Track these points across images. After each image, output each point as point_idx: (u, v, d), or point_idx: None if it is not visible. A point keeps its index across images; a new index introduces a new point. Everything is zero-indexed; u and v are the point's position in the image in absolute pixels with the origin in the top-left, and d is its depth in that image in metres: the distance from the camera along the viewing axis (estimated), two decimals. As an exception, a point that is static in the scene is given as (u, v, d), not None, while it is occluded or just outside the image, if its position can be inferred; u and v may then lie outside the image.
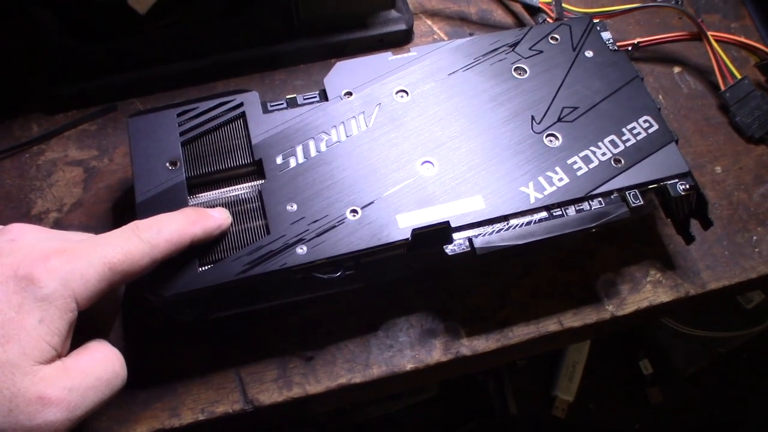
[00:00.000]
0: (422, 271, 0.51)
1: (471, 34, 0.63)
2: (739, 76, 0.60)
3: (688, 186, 0.48)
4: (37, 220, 0.53)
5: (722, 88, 0.60)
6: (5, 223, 0.52)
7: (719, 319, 0.99)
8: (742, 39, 0.62)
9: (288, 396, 0.47)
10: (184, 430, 0.46)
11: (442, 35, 0.63)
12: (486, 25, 0.64)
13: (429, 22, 0.64)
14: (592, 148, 0.49)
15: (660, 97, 0.61)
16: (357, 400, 0.51)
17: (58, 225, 0.52)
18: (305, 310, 0.50)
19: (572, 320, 0.50)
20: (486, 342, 0.49)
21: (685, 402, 1.11)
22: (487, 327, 0.50)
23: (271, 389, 0.47)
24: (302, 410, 0.49)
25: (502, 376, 1.06)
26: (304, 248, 0.44)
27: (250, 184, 0.47)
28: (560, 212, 0.47)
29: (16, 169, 0.55)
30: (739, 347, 1.04)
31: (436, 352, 0.49)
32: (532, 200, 0.46)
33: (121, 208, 0.53)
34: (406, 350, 0.49)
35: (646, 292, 0.52)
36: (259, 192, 0.46)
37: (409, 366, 0.48)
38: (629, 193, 0.47)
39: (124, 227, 0.40)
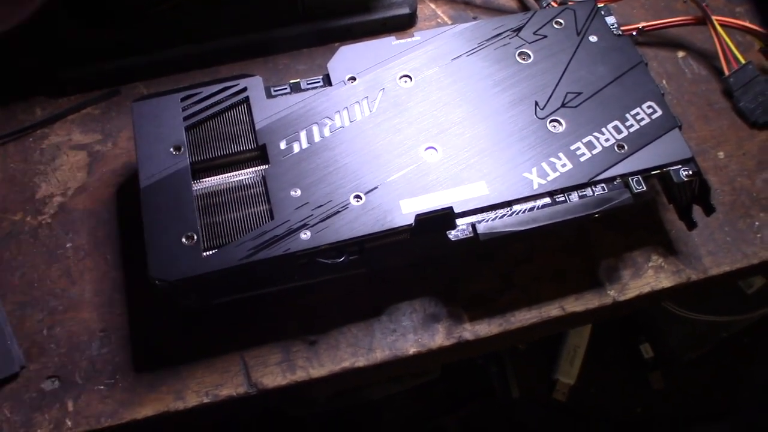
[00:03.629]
0: (425, 256, 0.51)
1: (475, 18, 0.63)
2: (743, 61, 0.59)
3: (691, 172, 0.48)
4: (42, 204, 0.53)
5: (726, 73, 0.60)
6: (9, 207, 0.52)
7: (720, 303, 0.99)
8: (747, 24, 0.62)
9: (291, 379, 0.47)
10: (188, 412, 0.46)
11: (446, 19, 0.63)
12: (490, 9, 0.64)
13: (432, 5, 0.64)
14: (595, 133, 0.49)
15: (664, 81, 0.61)
16: (359, 384, 0.52)
17: (62, 209, 0.53)
18: (309, 295, 0.50)
19: (574, 305, 0.51)
20: (488, 327, 0.50)
21: (686, 386, 1.11)
22: (490, 311, 0.50)
23: (274, 373, 0.47)
24: (305, 393, 0.49)
25: (504, 360, 1.07)
26: (308, 233, 0.44)
27: (253, 169, 0.47)
28: (563, 198, 0.47)
29: (20, 153, 0.55)
30: (740, 332, 1.04)
31: (438, 337, 0.49)
32: (536, 186, 0.46)
33: (126, 193, 0.54)
34: (409, 334, 0.49)
35: (648, 277, 0.52)
36: (263, 177, 0.46)
37: (412, 350, 0.49)
38: (632, 179, 0.47)
39: None
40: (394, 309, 0.50)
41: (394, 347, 0.49)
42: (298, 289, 0.49)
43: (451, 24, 0.62)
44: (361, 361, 0.48)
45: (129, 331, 0.48)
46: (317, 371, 0.48)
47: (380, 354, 0.48)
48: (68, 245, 0.51)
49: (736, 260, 0.53)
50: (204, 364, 0.47)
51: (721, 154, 0.57)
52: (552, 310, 0.50)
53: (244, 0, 0.58)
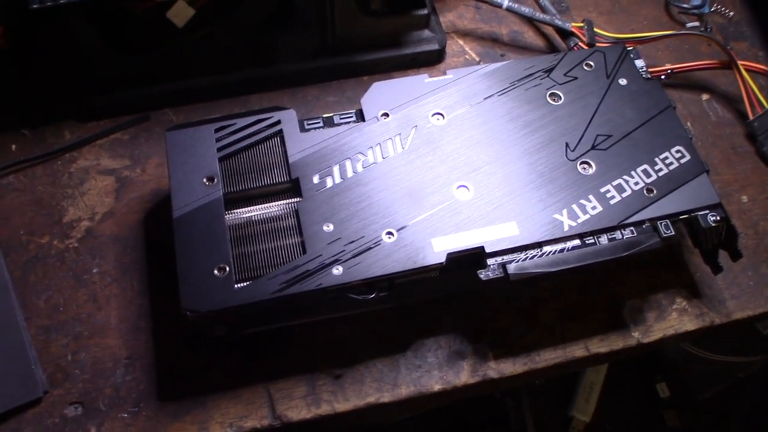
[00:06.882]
0: (452, 292, 0.51)
1: (502, 56, 0.64)
2: (767, 106, 0.60)
3: (718, 217, 0.49)
4: (69, 227, 0.53)
5: (750, 117, 0.60)
6: (36, 229, 0.52)
7: (736, 343, 0.99)
8: (770, 68, 0.62)
9: (316, 413, 0.47)
10: (212, 444, 0.46)
11: (474, 55, 0.64)
12: (517, 47, 0.65)
13: (461, 41, 0.65)
14: (625, 177, 0.49)
15: (688, 124, 0.61)
16: (384, 421, 0.52)
17: (89, 234, 0.53)
18: (335, 328, 0.50)
19: (599, 346, 0.51)
20: (513, 366, 0.50)
21: (702, 426, 1.11)
22: (515, 350, 0.50)
23: (299, 406, 0.47)
24: (329, 427, 0.49)
25: (520, 395, 1.06)
26: (340, 269, 0.44)
27: (286, 201, 0.48)
28: (593, 240, 0.47)
29: (49, 176, 0.56)
30: (756, 372, 1.04)
31: (463, 375, 0.49)
32: (566, 228, 0.47)
33: (153, 220, 0.54)
34: (434, 371, 0.49)
35: (672, 320, 0.52)
36: (296, 211, 0.47)
37: (437, 387, 0.49)
38: (660, 223, 0.48)
39: None
40: (419, 345, 0.50)
41: (419, 383, 0.49)
42: (324, 321, 0.49)
43: (479, 60, 0.63)
44: (386, 397, 0.48)
45: (154, 359, 0.48)
46: (342, 405, 0.48)
47: (405, 390, 0.48)
48: (95, 270, 0.52)
49: (759, 305, 0.54)
50: (229, 395, 0.47)
51: (744, 198, 0.58)
52: (577, 351, 0.51)
53: (275, 32, 0.58)
